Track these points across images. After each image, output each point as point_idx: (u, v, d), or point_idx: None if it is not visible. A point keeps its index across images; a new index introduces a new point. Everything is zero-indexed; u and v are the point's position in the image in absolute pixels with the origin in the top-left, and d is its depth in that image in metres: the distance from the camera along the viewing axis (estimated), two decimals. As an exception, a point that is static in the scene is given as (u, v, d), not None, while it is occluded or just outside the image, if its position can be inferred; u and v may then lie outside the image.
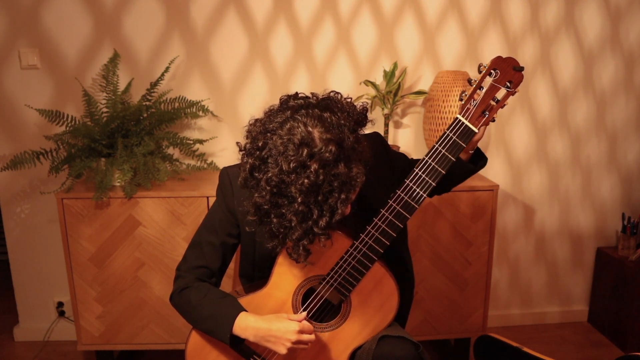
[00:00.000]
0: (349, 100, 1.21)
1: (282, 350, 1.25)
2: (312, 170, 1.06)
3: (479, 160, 1.40)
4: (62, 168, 2.00)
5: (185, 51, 2.20)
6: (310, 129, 1.09)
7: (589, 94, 2.42)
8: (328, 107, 1.15)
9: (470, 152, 1.37)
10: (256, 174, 1.12)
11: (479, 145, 1.38)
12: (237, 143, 1.22)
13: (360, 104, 1.23)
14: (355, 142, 1.13)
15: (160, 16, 2.16)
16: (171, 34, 2.18)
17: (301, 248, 1.16)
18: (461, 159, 1.37)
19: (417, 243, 2.07)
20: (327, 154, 1.07)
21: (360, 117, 1.19)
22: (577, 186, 2.52)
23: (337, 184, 1.09)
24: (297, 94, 1.20)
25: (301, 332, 1.25)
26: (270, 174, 1.09)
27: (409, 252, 1.48)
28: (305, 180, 1.06)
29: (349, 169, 1.10)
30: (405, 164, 1.47)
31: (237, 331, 1.27)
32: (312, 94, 1.20)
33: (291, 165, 1.07)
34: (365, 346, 1.31)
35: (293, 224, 1.10)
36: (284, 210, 1.10)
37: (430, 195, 1.52)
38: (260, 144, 1.12)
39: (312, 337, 1.26)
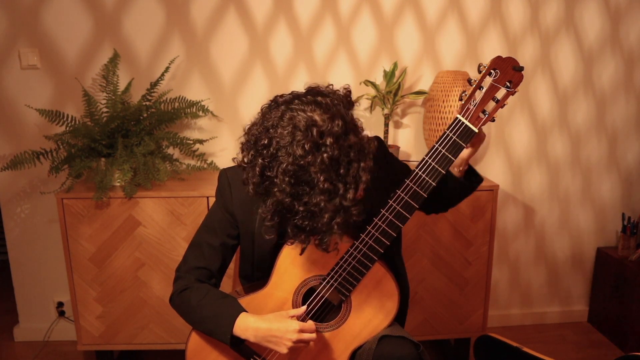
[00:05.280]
0: (330, 87, 1.22)
1: (284, 350, 1.25)
2: (327, 145, 1.07)
3: (474, 176, 1.41)
4: (62, 168, 2.00)
5: (185, 51, 2.20)
6: (310, 113, 1.10)
7: (589, 94, 2.42)
8: (317, 93, 1.16)
9: (462, 169, 1.38)
10: (268, 173, 1.10)
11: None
12: (234, 159, 1.21)
13: (342, 86, 1.23)
14: (352, 118, 1.16)
15: (160, 16, 2.16)
16: (171, 34, 2.18)
17: (335, 227, 1.12)
18: (455, 176, 1.39)
19: (417, 243, 2.07)
20: (336, 128, 1.09)
21: (347, 98, 1.20)
22: (577, 186, 2.52)
23: (354, 154, 1.10)
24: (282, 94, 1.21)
25: (302, 331, 1.25)
26: (285, 165, 1.07)
27: (402, 259, 1.48)
28: (324, 156, 1.06)
29: (359, 138, 1.13)
30: (405, 170, 1.47)
31: (238, 332, 1.27)
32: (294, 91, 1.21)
33: (306, 147, 1.06)
34: (366, 346, 1.31)
35: (322, 204, 1.08)
36: (307, 199, 1.08)
37: (427, 212, 1.53)
38: (265, 142, 1.10)
39: (313, 335, 1.26)
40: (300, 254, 1.30)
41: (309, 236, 1.15)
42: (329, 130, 1.08)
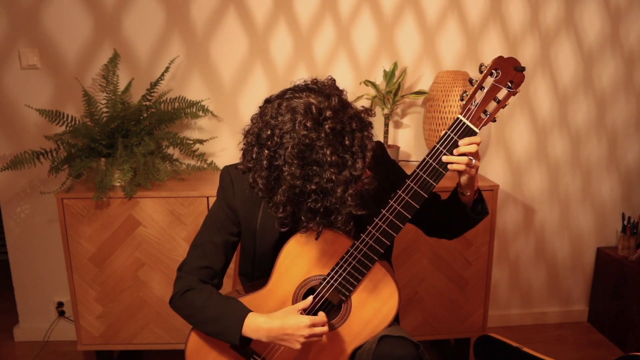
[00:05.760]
0: (314, 80, 1.25)
1: (297, 346, 1.25)
2: (328, 118, 1.11)
3: (481, 207, 1.37)
4: (62, 168, 2.00)
5: (185, 51, 2.20)
6: (305, 98, 1.14)
7: (589, 94, 2.42)
8: (305, 84, 1.20)
9: (469, 193, 1.33)
10: (276, 163, 1.12)
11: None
12: (240, 166, 1.22)
13: (325, 78, 1.25)
14: (345, 97, 1.20)
15: (160, 16, 2.16)
16: (171, 34, 2.18)
17: (349, 200, 1.12)
18: (461, 201, 1.35)
19: (417, 243, 2.07)
20: (334, 103, 1.13)
21: (334, 85, 1.23)
22: (577, 186, 2.52)
23: (356, 124, 1.14)
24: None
25: (313, 325, 1.24)
26: (291, 148, 1.10)
27: (392, 265, 1.48)
28: (327, 128, 1.10)
29: (357, 111, 1.17)
30: (402, 176, 1.46)
31: (248, 332, 1.27)
32: None
33: (308, 125, 1.09)
34: (366, 346, 1.31)
35: (333, 178, 1.10)
36: (317, 179, 1.11)
37: (428, 233, 1.51)
38: (268, 133, 1.13)
39: (325, 329, 1.26)
40: (316, 239, 1.30)
41: (323, 218, 1.16)
42: (327, 106, 1.12)
